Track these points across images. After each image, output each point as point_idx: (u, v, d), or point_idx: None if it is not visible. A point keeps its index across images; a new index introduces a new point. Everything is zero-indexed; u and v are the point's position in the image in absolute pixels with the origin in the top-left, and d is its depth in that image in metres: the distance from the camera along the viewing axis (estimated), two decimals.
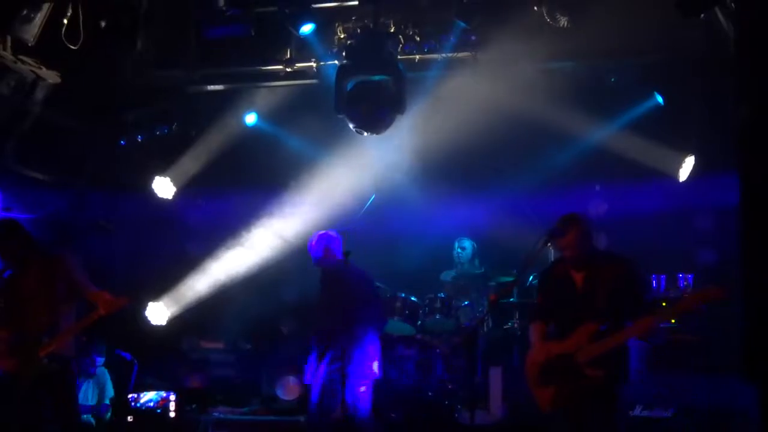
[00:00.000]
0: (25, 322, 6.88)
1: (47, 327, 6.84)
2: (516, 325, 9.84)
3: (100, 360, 9.72)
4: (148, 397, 9.61)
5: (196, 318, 11.04)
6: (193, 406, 9.81)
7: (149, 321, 10.95)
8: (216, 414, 9.69)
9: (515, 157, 10.31)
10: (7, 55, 8.41)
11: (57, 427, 6.95)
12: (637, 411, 8.23)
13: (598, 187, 10.65)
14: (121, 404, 9.57)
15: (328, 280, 8.47)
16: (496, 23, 8.98)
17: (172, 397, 9.58)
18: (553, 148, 10.29)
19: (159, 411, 9.59)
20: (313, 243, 8.53)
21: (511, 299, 9.82)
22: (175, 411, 9.57)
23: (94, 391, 9.64)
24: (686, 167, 9.79)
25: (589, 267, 6.23)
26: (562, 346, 6.16)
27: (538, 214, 9.59)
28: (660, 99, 9.63)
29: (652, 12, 8.42)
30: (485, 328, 9.62)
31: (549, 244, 6.41)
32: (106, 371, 9.77)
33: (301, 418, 9.38)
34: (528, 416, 8.62)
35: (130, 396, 9.62)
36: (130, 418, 9.48)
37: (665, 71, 9.46)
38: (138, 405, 9.58)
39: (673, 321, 8.72)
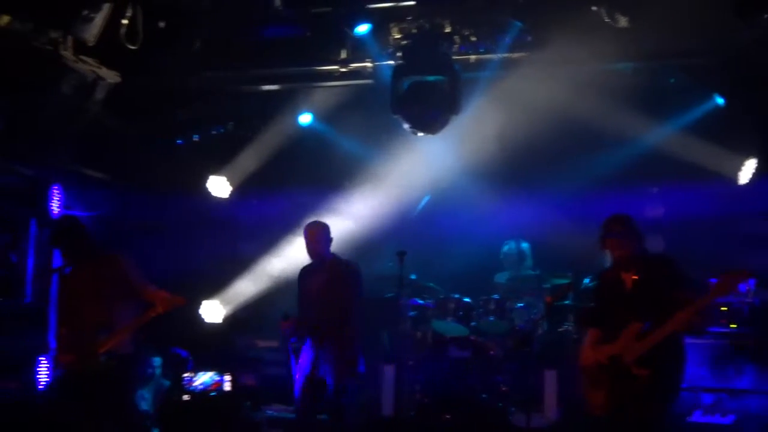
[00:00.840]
0: (82, 319, 6.99)
1: (104, 324, 6.92)
2: (571, 328, 9.75)
3: (157, 360, 9.78)
4: (203, 379, 9.73)
5: (251, 317, 11.12)
6: (248, 403, 9.87)
7: (204, 319, 11.05)
8: (269, 412, 9.76)
9: (571, 158, 10.21)
10: (68, 54, 8.51)
11: (114, 424, 7.04)
12: (697, 416, 8.12)
13: (655, 190, 10.54)
14: (177, 386, 9.70)
15: (332, 273, 7.95)
16: (553, 23, 8.90)
17: (227, 378, 9.70)
18: (609, 150, 10.18)
19: (213, 393, 9.71)
20: (319, 231, 8.05)
21: (567, 301, 9.73)
22: (228, 393, 9.69)
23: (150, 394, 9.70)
24: (747, 170, 9.63)
25: (637, 268, 6.22)
26: (611, 349, 6.16)
27: (593, 216, 9.50)
28: (720, 100, 9.47)
29: (713, 13, 8.28)
30: (540, 330, 9.55)
31: (605, 246, 6.42)
32: (163, 380, 9.84)
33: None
34: (583, 419, 8.55)
35: (185, 377, 9.73)
36: (186, 397, 9.62)
37: (725, 72, 9.30)
38: (192, 388, 9.71)
39: (733, 326, 8.62)
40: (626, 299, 6.26)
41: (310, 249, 7.98)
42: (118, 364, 6.90)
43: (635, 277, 6.26)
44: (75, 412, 6.93)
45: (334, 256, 8.06)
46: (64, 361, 7.07)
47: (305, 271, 8.17)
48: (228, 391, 9.80)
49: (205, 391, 9.78)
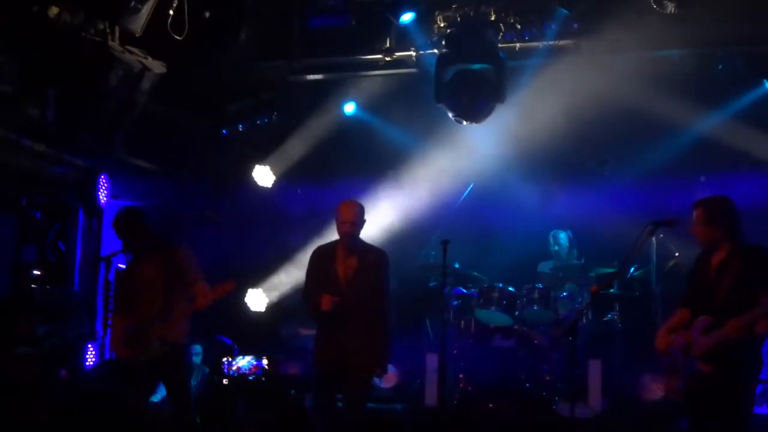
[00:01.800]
0: (141, 309, 7.08)
1: (161, 315, 7.00)
2: (616, 318, 9.68)
3: (198, 348, 9.83)
4: (241, 363, 9.79)
5: (295, 305, 11.17)
6: (292, 392, 9.93)
7: (249, 307, 11.13)
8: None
9: (618, 147, 10.13)
10: (115, 45, 8.60)
11: (170, 410, 7.13)
12: (765, 409, 7.98)
13: (703, 179, 10.39)
14: (216, 370, 9.76)
15: (364, 259, 7.22)
16: (599, 10, 8.84)
17: (265, 361, 9.72)
18: (656, 138, 10.06)
19: (251, 378, 9.76)
20: (357, 210, 7.19)
21: (612, 291, 9.65)
22: (269, 377, 9.72)
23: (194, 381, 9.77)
24: None
25: (724, 254, 5.97)
26: (685, 336, 5.93)
27: (640, 205, 9.43)
28: None
29: None
30: (584, 320, 9.49)
31: (653, 234, 6.28)
32: (204, 367, 9.91)
33: (398, 406, 9.44)
34: (628, 410, 8.51)
35: (224, 361, 9.79)
36: (225, 381, 9.69)
37: None
38: (231, 372, 9.77)
39: None
40: (709, 285, 5.98)
41: (344, 228, 7.08)
42: (170, 352, 6.97)
43: (718, 264, 5.97)
44: (133, 399, 7.02)
45: (362, 241, 7.28)
46: (122, 354, 7.15)
47: (324, 251, 7.29)
48: (268, 375, 9.84)
49: (244, 375, 9.82)
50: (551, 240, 10.40)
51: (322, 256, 7.28)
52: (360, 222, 7.15)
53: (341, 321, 6.96)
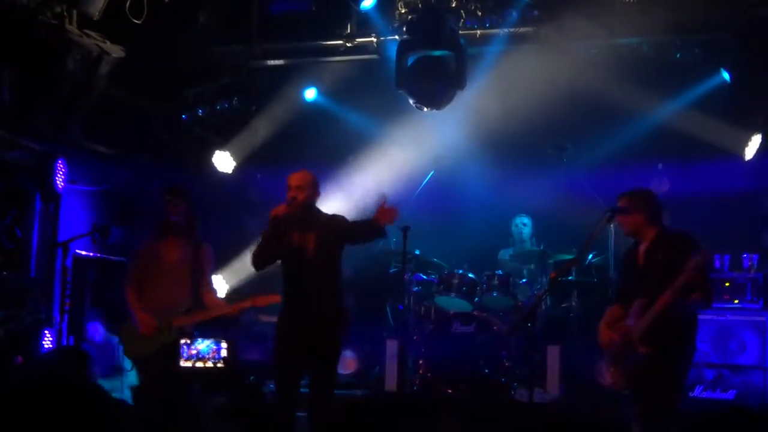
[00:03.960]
0: (162, 290, 7.20)
1: (182, 304, 7.22)
2: (574, 304, 9.77)
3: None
4: (201, 347, 9.73)
5: (255, 292, 11.12)
6: (252, 378, 9.91)
7: None
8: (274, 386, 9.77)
9: (576, 134, 10.19)
10: (73, 29, 8.49)
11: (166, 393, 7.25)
12: (698, 392, 8.15)
13: (660, 166, 10.52)
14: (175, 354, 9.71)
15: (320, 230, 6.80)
16: None
17: (224, 345, 9.65)
18: (615, 125, 10.15)
19: (210, 362, 9.69)
20: (305, 177, 6.74)
21: (570, 277, 9.74)
22: (228, 362, 9.66)
23: None
24: (753, 146, 9.59)
25: (649, 242, 6.20)
26: (623, 326, 6.14)
27: (598, 192, 9.51)
28: (726, 76, 9.42)
29: None
30: (543, 306, 9.57)
31: (611, 221, 6.40)
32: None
33: (358, 392, 9.46)
34: (586, 395, 8.59)
35: (183, 343, 9.70)
36: (184, 365, 9.63)
37: (731, 47, 9.27)
38: (190, 356, 9.70)
39: (736, 301, 8.66)
40: (639, 275, 6.24)
41: (290, 193, 6.61)
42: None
43: (645, 253, 6.24)
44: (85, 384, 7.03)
45: (320, 211, 6.87)
46: (144, 332, 7.19)
47: (283, 218, 6.66)
48: (227, 360, 9.77)
49: (203, 358, 9.74)
50: (514, 225, 10.46)
51: (280, 222, 6.67)
52: (310, 188, 6.69)
53: (299, 301, 6.78)
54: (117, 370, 9.00)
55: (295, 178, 6.72)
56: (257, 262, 6.90)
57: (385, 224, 6.58)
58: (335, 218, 6.90)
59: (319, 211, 6.86)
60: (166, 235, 7.31)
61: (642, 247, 6.26)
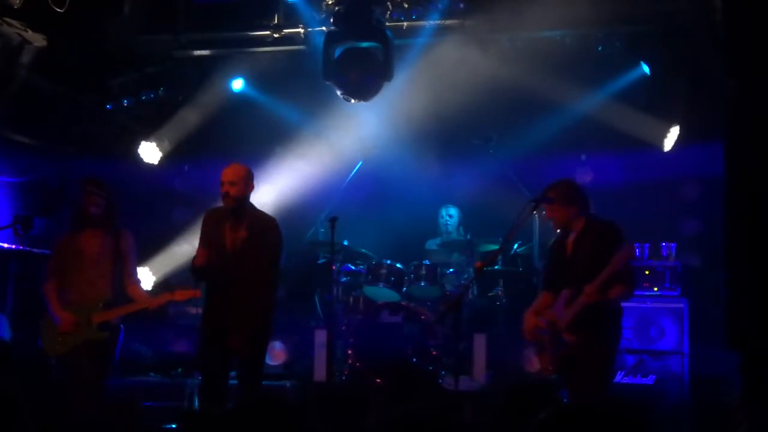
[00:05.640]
0: (83, 285, 7.01)
1: (104, 296, 7.01)
2: (500, 293, 9.91)
3: None
4: None
5: (182, 284, 11.03)
6: (179, 370, 9.85)
7: None
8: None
9: (502, 125, 10.31)
10: None
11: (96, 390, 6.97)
12: (619, 377, 8.34)
13: (583, 157, 10.70)
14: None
15: (252, 227, 7.07)
16: None
17: None
18: (539, 116, 10.30)
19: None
20: (239, 172, 7.04)
21: (496, 267, 9.86)
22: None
23: None
24: (671, 137, 9.81)
25: (577, 232, 6.30)
26: (550, 314, 6.25)
27: (523, 182, 9.65)
28: (646, 68, 9.63)
29: None
30: (470, 296, 9.68)
31: (535, 211, 6.51)
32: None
33: (287, 383, 9.47)
34: (510, 383, 8.73)
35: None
36: None
37: (652, 40, 9.46)
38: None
39: (655, 289, 8.88)
40: (566, 265, 6.34)
41: (224, 189, 6.92)
42: (109, 335, 7.00)
43: (574, 242, 6.34)
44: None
45: (253, 207, 7.15)
46: (64, 330, 6.96)
47: (213, 214, 7.17)
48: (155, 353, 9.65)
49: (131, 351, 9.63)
50: (441, 216, 10.54)
51: (210, 220, 7.17)
52: (242, 183, 6.96)
53: (224, 294, 6.92)
54: None
55: (227, 174, 6.93)
56: (201, 275, 7.06)
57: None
58: (269, 222, 7.07)
59: (252, 206, 7.06)
60: (84, 227, 7.16)
61: (571, 238, 6.36)
